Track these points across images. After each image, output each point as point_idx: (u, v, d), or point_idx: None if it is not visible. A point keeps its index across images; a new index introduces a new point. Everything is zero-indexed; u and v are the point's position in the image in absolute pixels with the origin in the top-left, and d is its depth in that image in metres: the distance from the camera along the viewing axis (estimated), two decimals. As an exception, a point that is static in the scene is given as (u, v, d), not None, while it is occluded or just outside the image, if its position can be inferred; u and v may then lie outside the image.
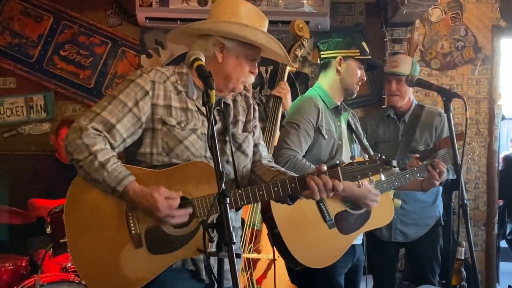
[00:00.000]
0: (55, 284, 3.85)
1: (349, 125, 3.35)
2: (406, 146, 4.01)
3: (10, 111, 5.61)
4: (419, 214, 4.05)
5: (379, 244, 4.15)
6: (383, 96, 5.33)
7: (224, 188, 1.93)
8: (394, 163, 2.37)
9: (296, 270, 3.13)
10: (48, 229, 3.78)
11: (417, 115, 4.08)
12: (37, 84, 5.60)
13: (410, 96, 4.11)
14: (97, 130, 2.25)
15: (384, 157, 2.39)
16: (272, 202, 2.87)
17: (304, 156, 3.12)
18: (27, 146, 5.59)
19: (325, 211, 3.02)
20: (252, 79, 2.48)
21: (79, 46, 5.59)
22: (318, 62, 3.40)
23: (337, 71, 3.21)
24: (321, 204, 3.01)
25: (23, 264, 4.40)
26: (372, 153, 3.35)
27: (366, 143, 3.46)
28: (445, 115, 3.99)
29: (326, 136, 3.15)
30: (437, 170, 3.27)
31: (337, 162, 2.38)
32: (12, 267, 4.31)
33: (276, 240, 2.97)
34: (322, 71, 3.32)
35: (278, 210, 2.92)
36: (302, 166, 2.98)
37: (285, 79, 4.21)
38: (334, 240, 3.02)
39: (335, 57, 3.22)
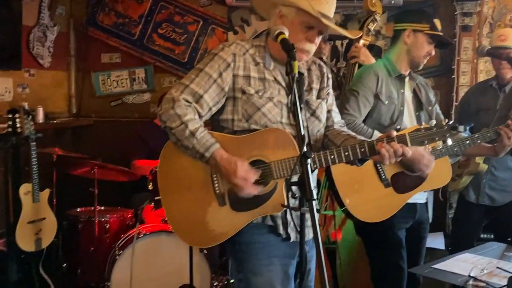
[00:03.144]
0: (155, 233, 4.06)
1: (415, 93, 3.28)
2: (503, 115, 3.81)
3: (116, 83, 5.84)
4: (509, 181, 3.92)
5: (465, 205, 4.07)
6: (452, 67, 5.23)
7: (306, 150, 1.96)
8: (461, 128, 2.27)
9: (359, 224, 3.18)
10: (149, 186, 3.92)
11: None
12: (139, 59, 5.77)
13: None
14: (187, 101, 2.29)
15: (450, 122, 2.31)
16: None
17: (364, 121, 3.11)
18: (131, 114, 5.80)
19: (381, 172, 2.99)
20: (309, 47, 2.36)
21: (174, 25, 5.70)
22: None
23: (405, 42, 3.15)
24: (378, 165, 2.99)
25: (129, 216, 4.66)
26: (442, 118, 3.31)
27: (438, 110, 3.36)
28: None
29: (386, 102, 3.10)
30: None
31: (398, 127, 2.32)
32: (119, 218, 4.59)
33: (335, 196, 3.01)
34: (392, 42, 3.28)
35: (337, 168, 2.91)
36: (360, 130, 2.97)
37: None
38: (389, 198, 3.00)
39: (405, 29, 3.15)
